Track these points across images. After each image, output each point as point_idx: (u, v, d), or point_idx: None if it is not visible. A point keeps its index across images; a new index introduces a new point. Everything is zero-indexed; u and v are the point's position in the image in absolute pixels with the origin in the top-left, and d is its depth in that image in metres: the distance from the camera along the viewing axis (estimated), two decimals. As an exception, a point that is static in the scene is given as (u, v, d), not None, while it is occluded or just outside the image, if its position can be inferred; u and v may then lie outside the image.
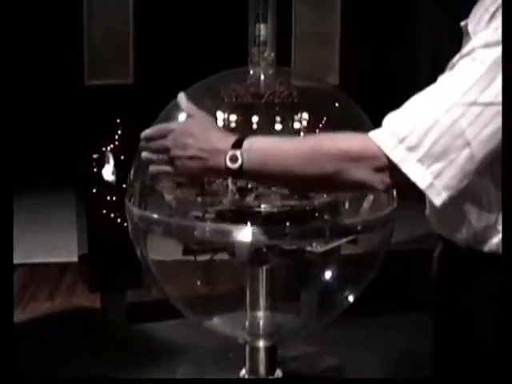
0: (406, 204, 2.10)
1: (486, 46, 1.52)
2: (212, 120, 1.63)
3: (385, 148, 1.38)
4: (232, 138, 1.51)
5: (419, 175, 1.37)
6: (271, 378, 2.09)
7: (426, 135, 1.37)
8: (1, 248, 1.61)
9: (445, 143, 1.38)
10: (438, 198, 1.38)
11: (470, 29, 1.71)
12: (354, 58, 4.05)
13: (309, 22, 3.87)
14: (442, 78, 1.49)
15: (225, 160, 1.49)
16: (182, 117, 2.02)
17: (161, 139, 1.58)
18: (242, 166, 1.48)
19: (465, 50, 1.55)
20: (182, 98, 1.66)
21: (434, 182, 1.37)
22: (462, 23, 1.77)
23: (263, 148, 1.52)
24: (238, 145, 1.50)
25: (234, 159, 1.48)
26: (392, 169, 1.38)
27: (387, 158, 1.37)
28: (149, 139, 1.60)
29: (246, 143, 1.50)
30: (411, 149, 1.37)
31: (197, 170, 1.55)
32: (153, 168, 1.59)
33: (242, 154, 1.48)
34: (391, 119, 1.41)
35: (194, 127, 1.58)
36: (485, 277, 1.67)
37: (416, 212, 2.03)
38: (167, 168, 1.58)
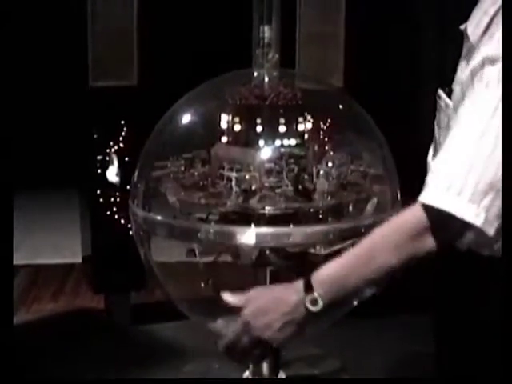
0: (410, 203, 2.10)
1: (493, 61, 1.53)
2: (262, 290, 1.65)
3: (439, 205, 1.44)
4: (299, 286, 1.54)
5: (472, 214, 1.43)
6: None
7: (468, 176, 1.44)
8: (1, 249, 1.61)
9: (487, 178, 1.44)
10: (491, 228, 1.44)
11: (469, 32, 1.71)
12: (358, 59, 4.05)
13: (313, 23, 3.87)
14: (463, 113, 1.53)
15: (305, 307, 1.52)
16: (186, 118, 2.03)
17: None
18: (323, 305, 1.51)
19: (474, 64, 1.56)
20: (226, 296, 1.66)
21: (487, 215, 1.43)
22: (462, 26, 1.77)
23: (332, 278, 1.53)
24: (309, 288, 1.53)
25: (314, 302, 1.52)
26: (449, 218, 1.44)
27: (440, 213, 1.44)
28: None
29: (315, 281, 1.53)
30: (459, 193, 1.43)
31: (291, 332, 1.55)
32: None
33: (319, 296, 1.51)
34: (433, 176, 1.49)
35: (259, 305, 1.59)
36: (485, 278, 1.67)
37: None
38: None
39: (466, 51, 1.77)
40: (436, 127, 1.81)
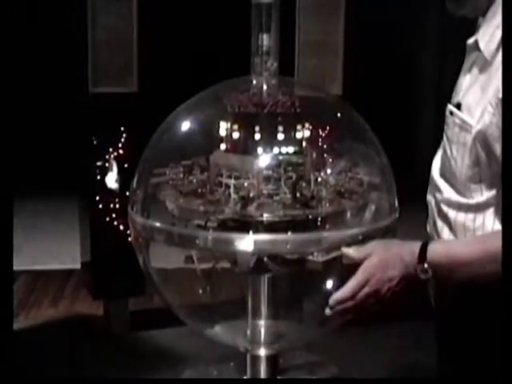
0: (407, 211, 2.11)
1: None
2: (383, 244, 1.78)
3: None
4: (415, 250, 1.69)
5: None
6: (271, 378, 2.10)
7: None
8: (1, 254, 1.62)
9: None
10: None
11: (481, 46, 1.71)
12: (357, 68, 4.06)
13: (312, 31, 3.88)
14: None
15: (416, 273, 1.69)
16: (185, 125, 2.04)
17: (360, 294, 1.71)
18: (431, 276, 1.68)
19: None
20: (347, 251, 1.77)
21: None
22: (470, 41, 1.77)
23: (446, 258, 1.69)
24: (422, 257, 1.69)
25: (424, 271, 1.68)
26: None
27: None
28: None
29: (430, 254, 1.68)
30: None
31: (404, 289, 1.73)
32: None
33: (430, 267, 1.68)
34: None
35: (383, 258, 1.71)
36: (485, 285, 1.68)
37: (416, 221, 2.04)
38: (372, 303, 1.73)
39: (473, 63, 1.77)
40: (446, 141, 1.81)
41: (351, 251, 1.74)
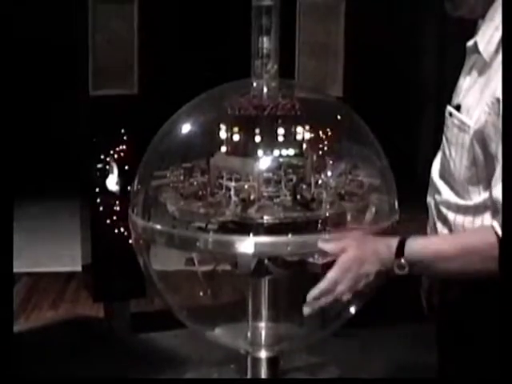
0: (407, 213, 2.12)
1: None
2: (358, 238, 1.80)
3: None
4: (392, 245, 1.71)
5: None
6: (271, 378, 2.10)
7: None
8: (1, 257, 1.62)
9: None
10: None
11: (480, 48, 1.72)
12: (357, 70, 4.06)
13: (312, 34, 3.88)
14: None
15: (393, 268, 1.71)
16: (185, 128, 2.04)
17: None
18: (408, 272, 1.70)
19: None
20: (322, 244, 1.79)
21: None
22: (469, 43, 1.77)
23: (424, 253, 1.72)
24: (399, 253, 1.70)
25: (400, 267, 1.69)
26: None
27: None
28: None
29: (408, 249, 1.70)
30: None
31: (378, 283, 1.75)
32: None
33: (407, 262, 1.69)
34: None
35: (358, 253, 1.73)
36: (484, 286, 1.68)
37: (417, 223, 2.04)
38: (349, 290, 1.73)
39: (473, 65, 1.77)
40: (445, 143, 1.82)
41: (327, 246, 1.75)
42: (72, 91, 4.28)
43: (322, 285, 1.70)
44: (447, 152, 1.81)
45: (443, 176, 1.84)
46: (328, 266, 1.72)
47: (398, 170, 2.06)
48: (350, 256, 1.71)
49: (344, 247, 1.72)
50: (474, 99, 1.72)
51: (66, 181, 5.13)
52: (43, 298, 4.90)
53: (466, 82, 1.80)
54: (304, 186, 1.92)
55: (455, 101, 1.81)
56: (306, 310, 1.73)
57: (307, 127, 1.99)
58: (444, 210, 1.82)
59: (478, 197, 1.74)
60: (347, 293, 1.71)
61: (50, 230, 6.53)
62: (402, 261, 1.68)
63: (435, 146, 1.98)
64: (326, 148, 2.01)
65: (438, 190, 1.85)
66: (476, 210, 1.74)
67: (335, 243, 1.75)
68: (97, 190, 3.98)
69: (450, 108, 1.80)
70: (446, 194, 1.82)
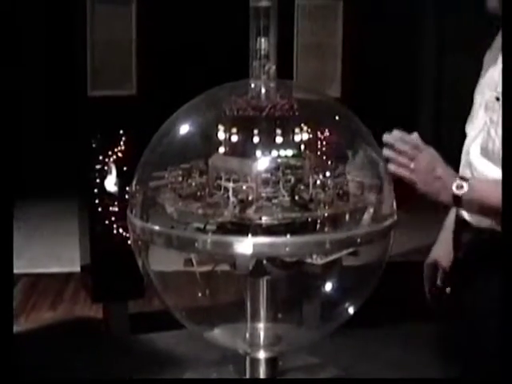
0: (405, 215, 2.12)
1: None
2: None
3: None
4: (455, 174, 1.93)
5: None
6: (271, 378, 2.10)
7: None
8: (1, 258, 1.63)
9: None
10: None
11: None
12: (355, 70, 4.07)
13: (310, 34, 3.89)
14: None
15: (451, 187, 1.89)
16: (183, 129, 2.04)
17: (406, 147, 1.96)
18: (465, 193, 1.88)
19: None
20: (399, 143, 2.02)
21: None
22: (488, 56, 1.86)
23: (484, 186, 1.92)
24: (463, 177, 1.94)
25: (459, 187, 1.88)
26: None
27: None
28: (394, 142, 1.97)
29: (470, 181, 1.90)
30: None
31: (434, 190, 1.93)
32: (393, 167, 1.96)
33: (467, 184, 1.88)
34: None
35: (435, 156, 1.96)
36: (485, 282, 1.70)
37: (415, 223, 2.04)
38: (406, 173, 1.95)
39: None
40: (489, 124, 2.00)
41: (404, 146, 1.98)
42: (70, 92, 4.29)
43: (411, 137, 2.01)
44: (493, 132, 1.97)
45: (486, 154, 2.01)
46: (329, 266, 1.72)
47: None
48: (427, 157, 1.93)
49: (421, 148, 1.95)
50: None
51: (65, 182, 5.13)
52: (42, 298, 4.90)
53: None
54: (302, 187, 1.92)
55: (498, 88, 1.96)
56: (386, 138, 1.99)
57: (305, 128, 1.99)
58: None
59: None
60: (417, 173, 1.91)
61: (49, 231, 6.53)
62: (464, 183, 1.88)
63: (434, 146, 2.01)
64: (324, 148, 2.01)
65: (476, 169, 2.05)
66: None
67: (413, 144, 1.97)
68: (95, 190, 3.98)
69: (496, 94, 1.98)
70: (487, 170, 2.01)
